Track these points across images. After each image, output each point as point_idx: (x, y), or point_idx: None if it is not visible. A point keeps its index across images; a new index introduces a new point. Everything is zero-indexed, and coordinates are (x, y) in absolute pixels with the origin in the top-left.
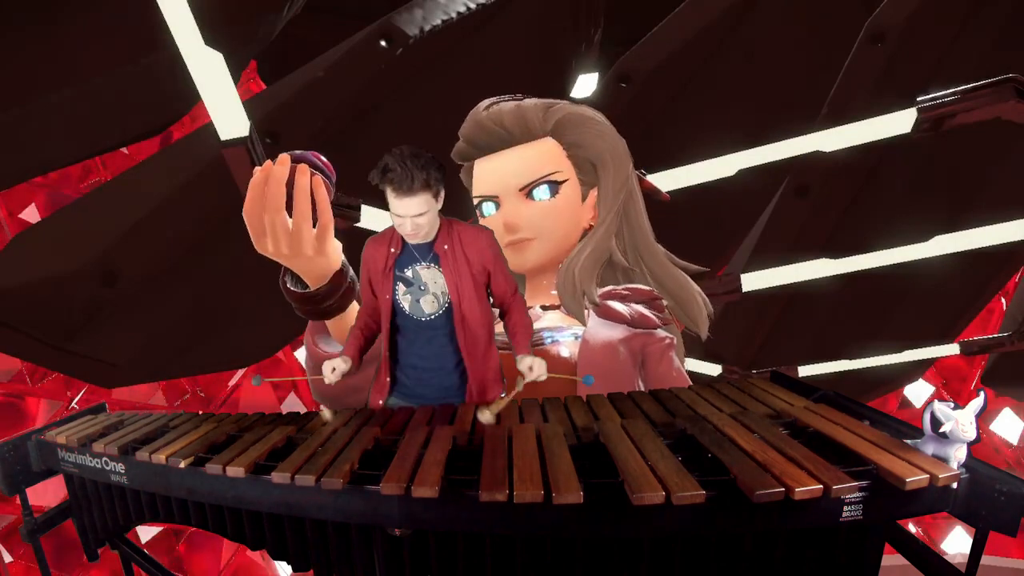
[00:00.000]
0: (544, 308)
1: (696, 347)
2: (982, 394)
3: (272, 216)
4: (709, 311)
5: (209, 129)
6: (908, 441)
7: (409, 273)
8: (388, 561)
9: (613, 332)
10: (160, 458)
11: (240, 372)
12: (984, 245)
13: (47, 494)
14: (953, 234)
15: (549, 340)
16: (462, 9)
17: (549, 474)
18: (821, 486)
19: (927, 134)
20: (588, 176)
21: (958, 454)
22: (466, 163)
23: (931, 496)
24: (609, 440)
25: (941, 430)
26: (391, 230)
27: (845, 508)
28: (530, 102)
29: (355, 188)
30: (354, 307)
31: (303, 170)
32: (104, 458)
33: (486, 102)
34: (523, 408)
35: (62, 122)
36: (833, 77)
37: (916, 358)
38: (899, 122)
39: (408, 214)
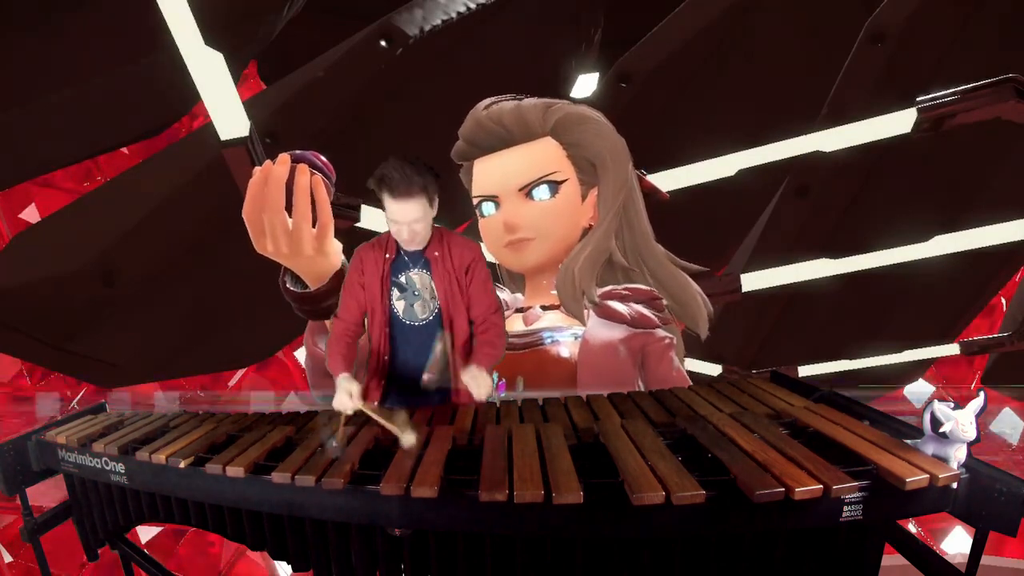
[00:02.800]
0: (544, 308)
1: (696, 347)
2: (982, 394)
3: (272, 216)
4: (709, 311)
5: (209, 129)
6: (908, 441)
7: (403, 279)
8: (388, 561)
9: (613, 332)
10: (160, 458)
11: (240, 372)
12: (984, 245)
13: (46, 496)
14: (953, 234)
15: (549, 340)
16: (462, 9)
17: (549, 474)
18: (821, 486)
19: (927, 134)
20: (588, 176)
21: (958, 454)
22: (465, 163)
23: (931, 496)
24: (609, 440)
25: (941, 430)
26: (385, 236)
27: (845, 508)
28: (530, 102)
29: (355, 188)
30: None
31: (303, 170)
32: (104, 458)
33: (486, 101)
34: (523, 408)
35: (62, 122)
36: (833, 77)
37: (916, 358)
38: (899, 122)
39: (405, 220)
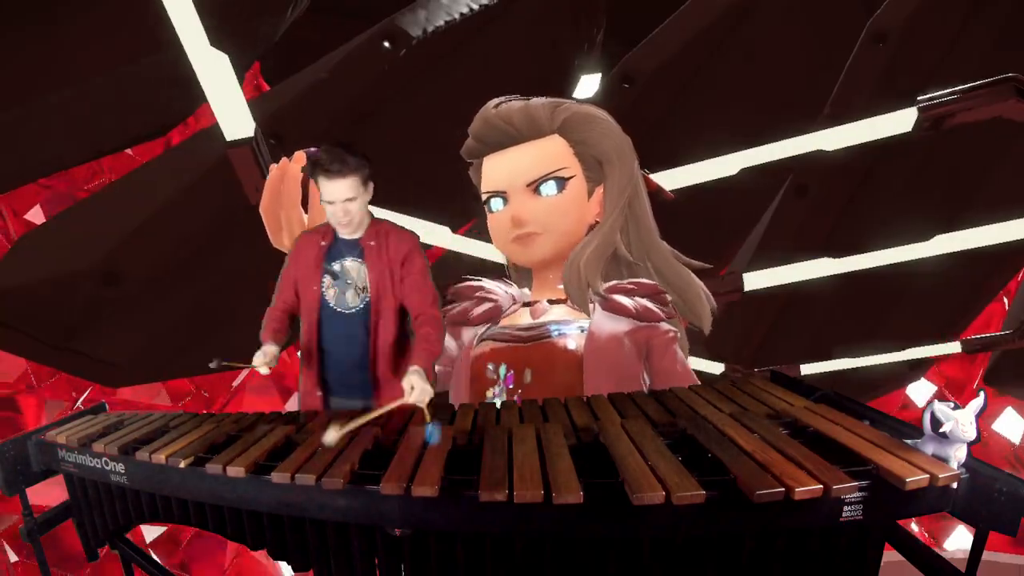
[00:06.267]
0: (551, 302)
1: (698, 344)
2: (982, 394)
3: (288, 212)
4: (712, 307)
5: (214, 130)
6: (908, 441)
7: (337, 267)
8: (388, 561)
9: (618, 325)
10: (160, 458)
11: (243, 373)
12: (984, 245)
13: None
14: (953, 234)
15: (556, 333)
16: (464, 10)
17: (549, 474)
18: (821, 486)
19: (928, 133)
20: (594, 173)
21: (958, 454)
22: (475, 160)
23: (931, 496)
24: (609, 440)
25: (941, 430)
26: (325, 226)
27: (845, 508)
28: (538, 101)
29: None
30: None
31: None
32: (104, 458)
33: (495, 101)
34: (523, 408)
35: (64, 123)
36: (834, 77)
37: (918, 356)
38: (900, 121)
39: (339, 198)
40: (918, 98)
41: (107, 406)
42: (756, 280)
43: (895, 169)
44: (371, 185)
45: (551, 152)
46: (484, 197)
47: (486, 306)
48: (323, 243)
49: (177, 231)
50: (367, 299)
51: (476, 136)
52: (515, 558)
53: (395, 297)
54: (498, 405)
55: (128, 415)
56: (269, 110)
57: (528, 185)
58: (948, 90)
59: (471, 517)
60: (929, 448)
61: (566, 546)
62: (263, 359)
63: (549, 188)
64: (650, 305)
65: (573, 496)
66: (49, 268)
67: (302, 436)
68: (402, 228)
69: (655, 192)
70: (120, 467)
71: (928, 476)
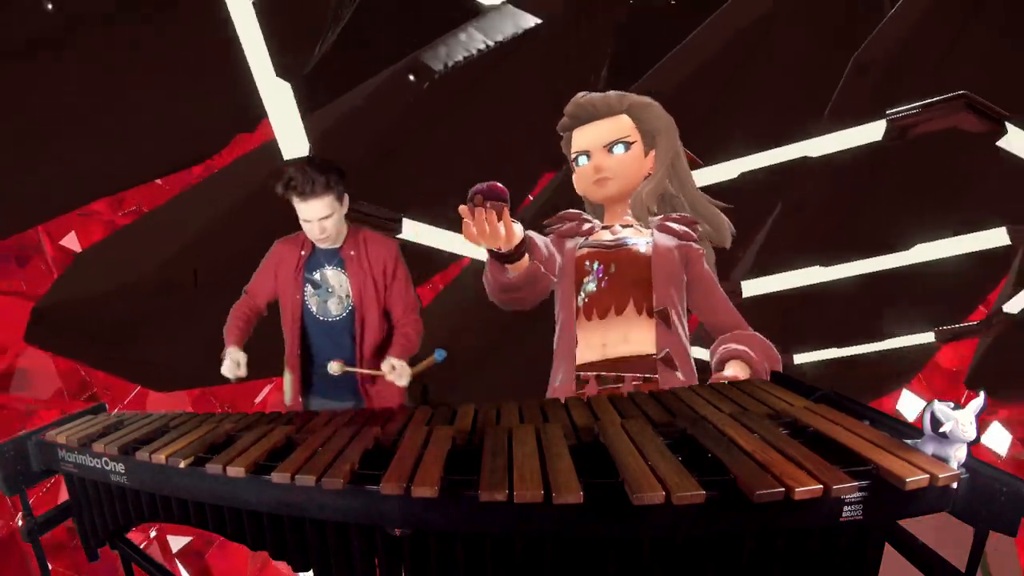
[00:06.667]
0: (622, 227)
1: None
2: (982, 394)
3: (486, 240)
4: (732, 232)
5: (272, 147)
6: (908, 441)
7: (317, 276)
8: (388, 561)
9: (669, 241)
10: (160, 458)
11: (267, 388)
12: (971, 251)
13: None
14: (936, 242)
15: (631, 243)
16: (481, 46)
17: (549, 474)
18: (821, 486)
19: (895, 142)
20: (649, 141)
21: (958, 454)
22: (565, 134)
23: (931, 496)
24: (609, 440)
25: (941, 430)
26: (303, 234)
27: (845, 508)
28: (612, 92)
29: (394, 204)
30: (524, 259)
31: (497, 207)
32: (104, 458)
33: (581, 93)
34: (523, 408)
35: (119, 148)
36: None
37: (895, 346)
38: (872, 131)
39: (314, 217)
40: (887, 111)
41: (107, 407)
42: (754, 287)
43: (883, 176)
44: (347, 199)
45: (620, 125)
46: (573, 156)
47: (586, 225)
48: (302, 252)
49: (233, 240)
50: (351, 307)
51: (569, 115)
52: (515, 558)
53: (379, 304)
54: (591, 288)
55: (128, 415)
56: (312, 134)
57: (604, 146)
58: (911, 104)
59: (471, 517)
60: (929, 448)
61: (566, 546)
62: (235, 369)
63: (619, 149)
64: (687, 230)
65: (573, 496)
66: (108, 280)
67: (302, 436)
68: (380, 236)
69: (691, 161)
70: (120, 467)
71: (928, 476)
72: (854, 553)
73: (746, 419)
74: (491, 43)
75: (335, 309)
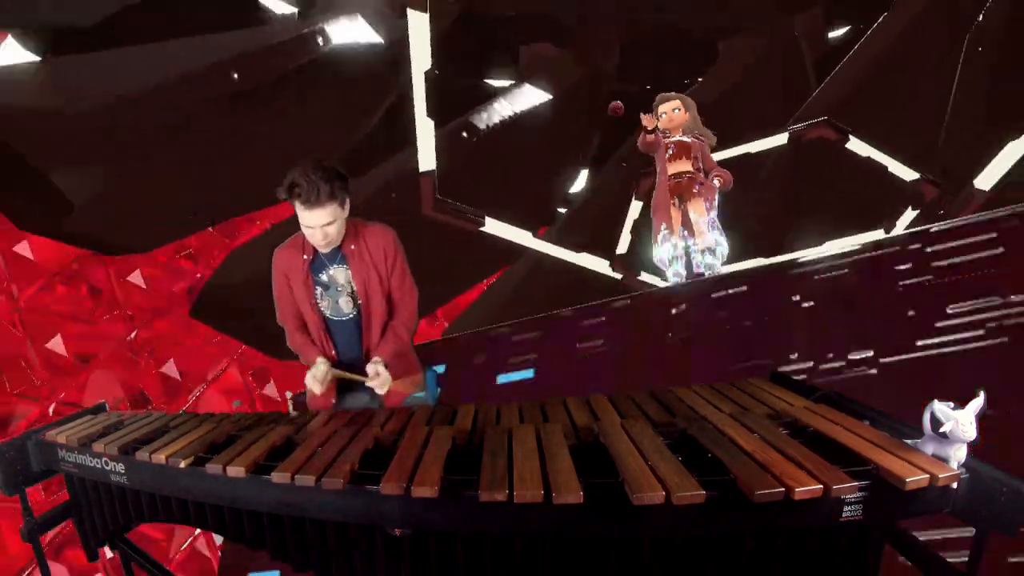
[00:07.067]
0: (680, 136)
1: None
2: (982, 394)
3: None
4: (714, 139)
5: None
6: (908, 441)
7: (324, 277)
8: (388, 561)
9: (698, 142)
10: (160, 458)
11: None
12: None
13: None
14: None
15: (686, 140)
16: (508, 114)
17: (549, 474)
18: (821, 486)
19: (794, 146)
20: (692, 113)
21: (958, 454)
22: (655, 105)
23: (931, 496)
24: (609, 440)
25: (941, 430)
26: (300, 238)
27: (845, 508)
28: (674, 94)
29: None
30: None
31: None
32: (104, 458)
33: (662, 95)
34: (523, 408)
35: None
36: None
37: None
38: (780, 138)
39: (318, 224)
40: (788, 125)
41: (107, 406)
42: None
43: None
44: (348, 203)
45: (679, 104)
46: (660, 113)
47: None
48: (306, 257)
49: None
50: (359, 301)
51: (660, 99)
52: (515, 558)
53: (383, 292)
54: (670, 153)
55: (128, 415)
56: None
57: (673, 109)
58: (803, 123)
59: (471, 517)
60: (929, 448)
61: (566, 546)
62: (321, 383)
63: (678, 111)
64: (702, 137)
65: (573, 496)
66: (253, 268)
67: (302, 436)
68: (376, 226)
69: (616, 108)
70: (120, 467)
71: (928, 476)
72: (854, 553)
73: (746, 419)
74: (515, 112)
75: (347, 307)
